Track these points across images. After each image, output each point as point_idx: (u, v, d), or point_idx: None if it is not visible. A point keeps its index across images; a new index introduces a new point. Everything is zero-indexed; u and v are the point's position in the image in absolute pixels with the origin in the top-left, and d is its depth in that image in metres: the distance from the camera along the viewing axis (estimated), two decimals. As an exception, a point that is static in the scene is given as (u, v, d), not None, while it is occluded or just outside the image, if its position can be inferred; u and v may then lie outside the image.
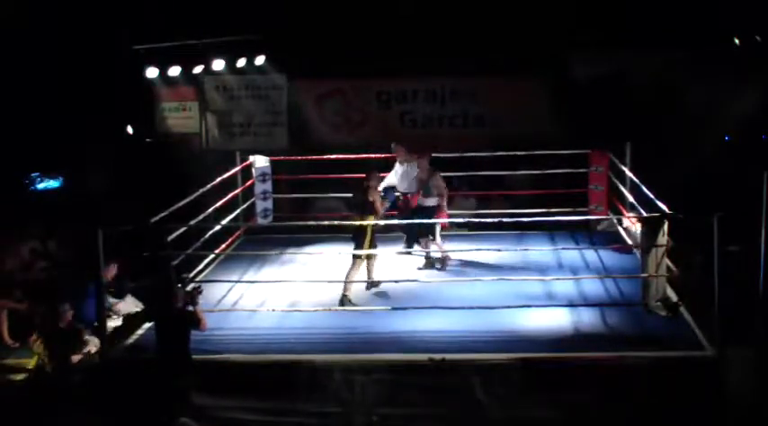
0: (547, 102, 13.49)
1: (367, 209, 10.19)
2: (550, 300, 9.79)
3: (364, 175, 10.44)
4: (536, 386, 8.18)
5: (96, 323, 9.20)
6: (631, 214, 11.30)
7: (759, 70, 12.73)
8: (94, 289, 9.43)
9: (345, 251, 11.85)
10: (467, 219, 11.26)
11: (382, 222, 10.75)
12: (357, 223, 10.03)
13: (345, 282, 9.99)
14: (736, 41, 13.03)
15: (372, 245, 10.12)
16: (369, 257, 10.17)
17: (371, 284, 10.37)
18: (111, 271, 9.82)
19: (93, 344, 9.23)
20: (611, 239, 12.29)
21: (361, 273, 10.21)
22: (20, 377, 9.11)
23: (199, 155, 13.96)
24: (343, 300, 9.91)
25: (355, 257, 10.11)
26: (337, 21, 13.77)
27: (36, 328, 9.50)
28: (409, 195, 11.21)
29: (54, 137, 13.97)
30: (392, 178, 11.79)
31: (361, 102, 13.97)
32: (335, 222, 12.76)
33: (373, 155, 13.22)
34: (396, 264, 11.02)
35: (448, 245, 11.34)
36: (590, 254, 11.43)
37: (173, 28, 13.18)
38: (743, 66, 12.86)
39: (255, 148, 13.17)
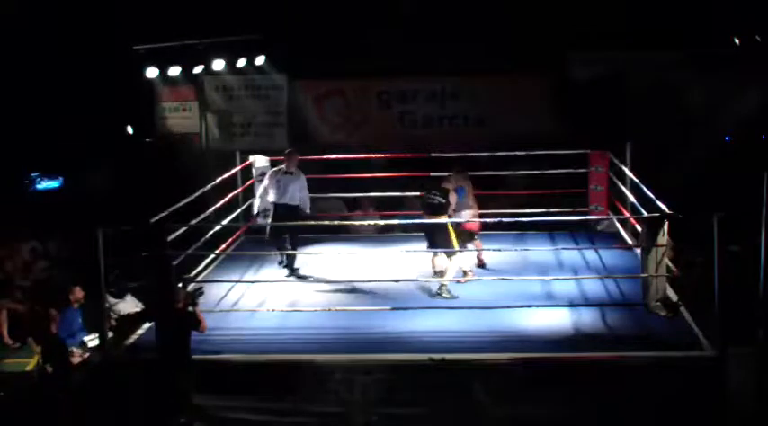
0: (547, 102, 13.53)
1: (443, 210, 10.11)
2: (550, 300, 9.78)
3: (447, 174, 10.29)
4: (536, 386, 8.17)
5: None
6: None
7: (759, 70, 12.74)
8: (70, 314, 9.48)
9: (350, 251, 11.94)
10: (467, 219, 11.23)
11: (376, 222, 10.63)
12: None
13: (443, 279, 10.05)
14: (736, 41, 13.04)
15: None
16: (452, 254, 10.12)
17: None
18: (78, 295, 9.72)
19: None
20: (611, 239, 12.29)
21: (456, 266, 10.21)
22: (20, 377, 9.10)
23: (199, 155, 13.98)
24: (440, 290, 9.97)
25: (449, 255, 10.08)
26: (337, 21, 13.78)
27: (32, 329, 9.52)
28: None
29: (54, 137, 13.97)
30: (271, 187, 11.01)
31: (361, 102, 14.00)
32: (335, 222, 12.79)
33: (373, 155, 13.24)
34: (396, 264, 11.00)
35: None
36: (590, 254, 11.43)
37: (173, 28, 13.18)
38: (743, 66, 12.88)
39: (255, 148, 13.17)
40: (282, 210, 10.96)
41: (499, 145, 12.87)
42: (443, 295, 9.97)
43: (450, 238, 10.04)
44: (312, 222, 11.92)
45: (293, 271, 11.02)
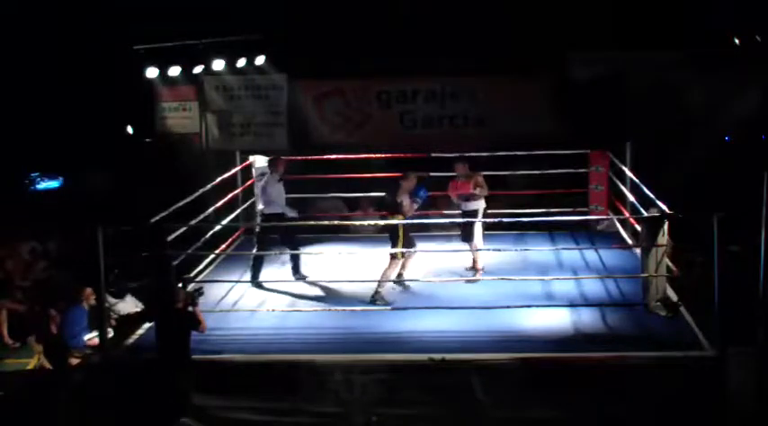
0: (547, 101, 13.52)
1: (395, 209, 10.03)
2: (550, 300, 9.78)
3: (401, 174, 10.20)
4: (536, 385, 8.16)
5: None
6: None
7: (759, 70, 12.75)
8: (76, 314, 9.48)
9: (350, 251, 11.93)
10: (466, 219, 11.22)
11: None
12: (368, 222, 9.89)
13: (379, 281, 9.87)
14: (736, 41, 13.04)
15: (409, 244, 9.98)
16: (404, 256, 10.03)
17: (401, 284, 10.27)
18: (89, 294, 9.75)
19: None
20: (611, 239, 12.29)
21: (395, 272, 10.11)
22: (20, 377, 9.11)
23: (199, 155, 13.98)
24: (375, 297, 9.81)
25: (392, 256, 9.96)
26: (337, 21, 13.78)
27: (32, 329, 9.52)
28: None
29: (54, 137, 13.98)
30: (273, 198, 10.79)
31: (361, 102, 13.98)
32: (335, 222, 12.78)
33: (373, 155, 13.23)
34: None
35: (446, 246, 11.33)
36: (590, 254, 11.42)
37: (173, 28, 13.18)
38: (743, 66, 12.88)
39: (255, 148, 13.17)
40: (279, 219, 10.88)
41: (499, 145, 12.87)
42: (377, 301, 9.77)
43: (396, 239, 9.92)
44: (312, 222, 11.91)
45: (296, 272, 11.02)
